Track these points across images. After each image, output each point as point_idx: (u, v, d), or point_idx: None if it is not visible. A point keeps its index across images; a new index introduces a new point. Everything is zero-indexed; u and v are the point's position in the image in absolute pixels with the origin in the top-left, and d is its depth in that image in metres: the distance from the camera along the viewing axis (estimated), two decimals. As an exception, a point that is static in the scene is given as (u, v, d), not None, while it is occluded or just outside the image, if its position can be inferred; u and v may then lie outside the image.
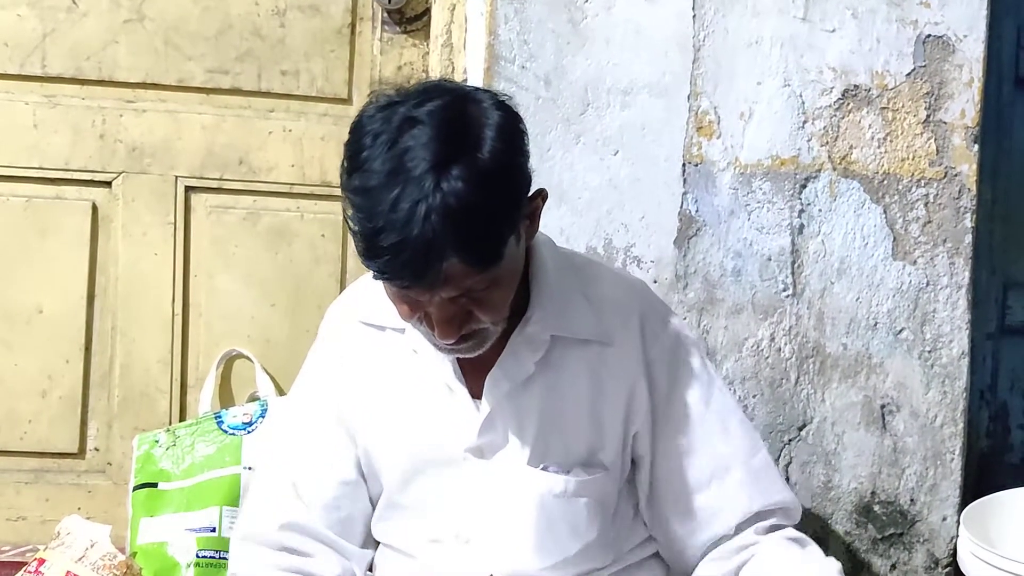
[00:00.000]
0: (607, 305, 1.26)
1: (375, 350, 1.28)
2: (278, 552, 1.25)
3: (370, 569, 1.35)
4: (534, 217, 1.17)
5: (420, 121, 1.05)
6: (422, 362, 1.25)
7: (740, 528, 1.26)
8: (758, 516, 1.26)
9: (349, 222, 1.09)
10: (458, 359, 1.24)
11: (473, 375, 1.24)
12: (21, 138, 1.91)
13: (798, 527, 1.32)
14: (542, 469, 1.23)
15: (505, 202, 1.08)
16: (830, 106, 1.76)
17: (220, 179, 1.96)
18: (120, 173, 1.94)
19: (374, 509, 1.31)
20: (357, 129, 1.10)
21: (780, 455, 1.78)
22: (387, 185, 1.04)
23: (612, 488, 1.26)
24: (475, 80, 1.71)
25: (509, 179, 1.08)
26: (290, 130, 1.96)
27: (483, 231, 1.05)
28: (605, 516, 1.26)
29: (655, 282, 1.73)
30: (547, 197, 1.18)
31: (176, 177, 1.95)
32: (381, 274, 1.07)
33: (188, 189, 1.95)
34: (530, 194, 1.15)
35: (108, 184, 1.94)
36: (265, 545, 1.26)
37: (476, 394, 1.24)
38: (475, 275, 1.06)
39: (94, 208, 1.94)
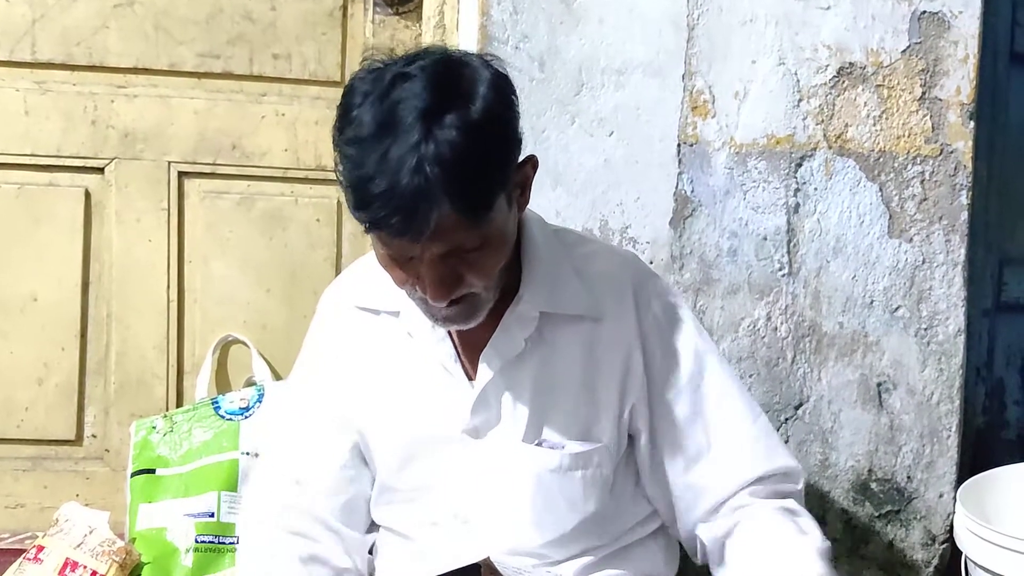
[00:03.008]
0: (599, 280, 1.25)
1: (370, 334, 1.28)
2: (290, 536, 1.25)
3: (370, 552, 1.35)
4: (525, 186, 1.16)
5: (412, 76, 1.06)
6: (417, 345, 1.25)
7: (736, 492, 1.25)
8: (759, 481, 1.26)
9: (339, 177, 1.08)
10: (453, 341, 1.24)
11: (469, 356, 1.24)
12: (12, 125, 1.90)
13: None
14: (536, 445, 1.23)
15: (497, 154, 1.07)
16: (825, 84, 1.76)
17: (213, 164, 1.95)
18: (112, 159, 1.93)
19: None
20: (348, 92, 1.10)
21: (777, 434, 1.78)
22: (378, 135, 1.03)
23: (609, 462, 1.26)
24: (468, 61, 1.71)
25: (501, 132, 1.09)
26: (283, 114, 1.95)
27: (474, 180, 1.04)
28: (603, 490, 1.26)
29: (651, 263, 1.73)
30: (537, 165, 1.17)
31: (169, 162, 1.94)
32: (372, 225, 1.06)
33: (181, 174, 1.95)
34: (521, 160, 1.14)
35: (101, 170, 1.93)
36: (276, 529, 1.26)
37: (472, 376, 1.24)
38: (465, 227, 1.05)
39: (87, 194, 1.93)
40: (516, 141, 1.12)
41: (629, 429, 1.27)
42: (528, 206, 1.28)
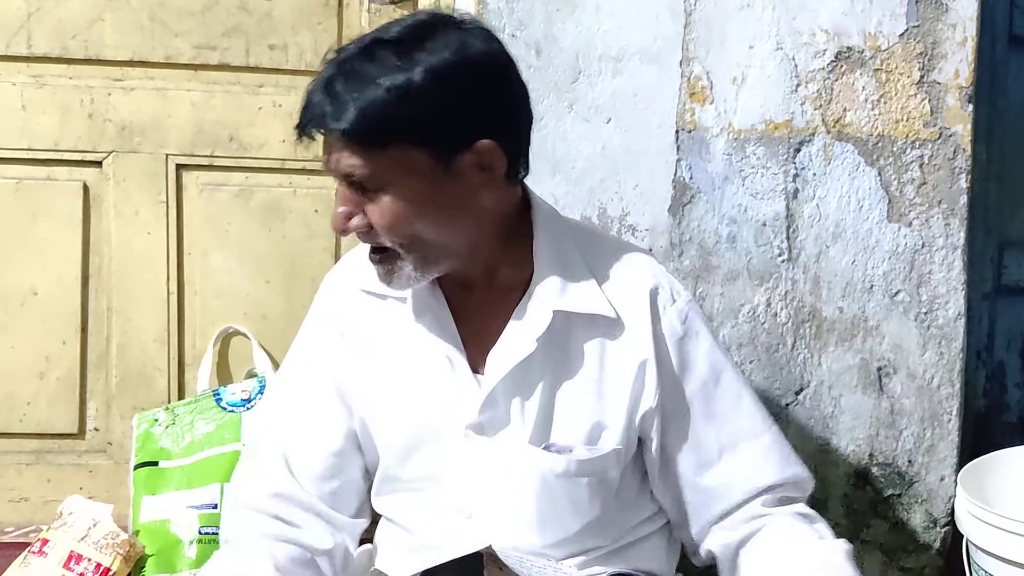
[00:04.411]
0: (614, 280, 1.23)
1: (376, 319, 1.27)
2: (269, 519, 1.24)
3: (370, 541, 1.35)
4: (485, 168, 1.14)
5: (396, 24, 1.13)
6: (424, 334, 1.23)
7: (748, 500, 1.25)
8: (768, 490, 1.25)
9: None
10: (460, 333, 1.23)
11: (476, 348, 1.23)
12: (9, 119, 1.89)
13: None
14: (544, 448, 1.21)
15: (412, 106, 1.08)
16: (823, 69, 1.75)
17: (211, 156, 1.95)
18: (110, 152, 1.93)
19: (371, 479, 1.31)
20: None
21: (777, 420, 1.78)
22: (334, 53, 1.14)
23: (615, 467, 1.24)
24: (465, 50, 1.70)
25: (435, 95, 1.09)
26: (280, 105, 1.94)
27: (368, 107, 1.07)
28: (608, 495, 1.24)
29: (650, 250, 1.72)
30: (493, 152, 1.13)
31: (167, 155, 1.94)
32: (296, 125, 1.13)
33: (179, 167, 1.94)
34: (480, 138, 1.12)
35: (99, 164, 1.93)
36: (257, 512, 1.25)
37: (478, 368, 1.23)
38: (351, 152, 1.09)
39: (85, 188, 1.93)
40: (456, 113, 1.11)
41: (639, 433, 1.25)
42: (541, 198, 1.27)
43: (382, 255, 1.17)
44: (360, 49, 1.11)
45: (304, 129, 1.12)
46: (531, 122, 1.23)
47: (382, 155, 1.10)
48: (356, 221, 1.14)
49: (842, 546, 1.21)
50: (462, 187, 1.14)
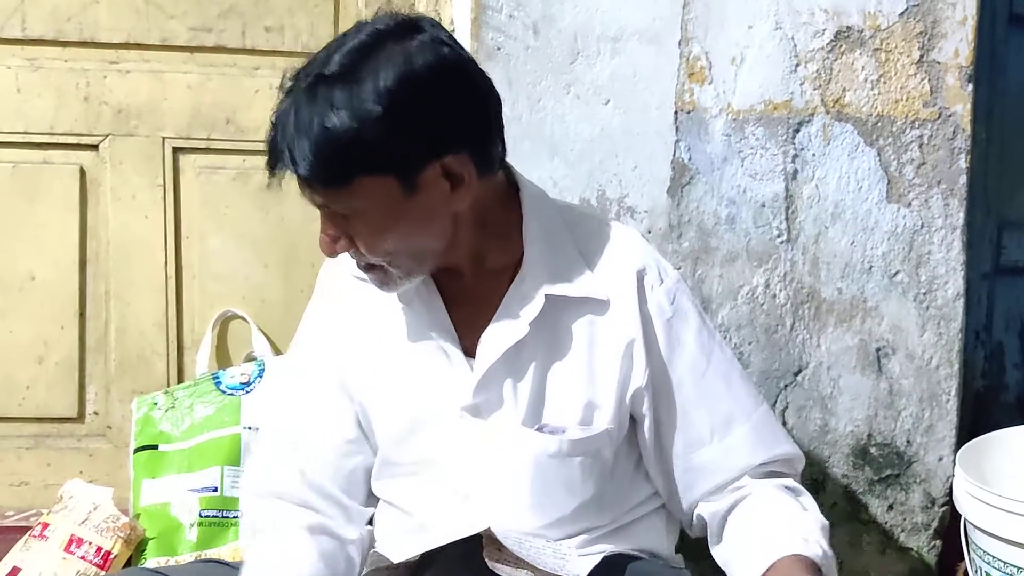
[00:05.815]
0: (603, 262, 1.24)
1: (370, 306, 1.27)
2: (303, 510, 1.25)
3: (370, 523, 1.36)
4: (452, 177, 1.14)
5: (338, 51, 1.12)
6: (416, 320, 1.24)
7: (737, 477, 1.26)
8: (761, 466, 1.26)
9: None
10: (451, 316, 1.24)
11: (469, 332, 1.24)
12: (5, 103, 1.89)
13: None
14: (537, 429, 1.22)
15: (363, 143, 1.08)
16: (822, 48, 1.74)
17: (208, 139, 1.94)
18: (107, 136, 1.92)
19: None
20: None
21: (776, 400, 1.79)
22: (292, 80, 1.15)
23: (608, 447, 1.25)
24: (462, 31, 1.69)
25: (386, 122, 1.09)
26: (277, 87, 1.90)
27: (322, 151, 1.08)
28: (602, 475, 1.25)
29: (649, 232, 1.72)
30: (455, 164, 1.13)
31: (163, 138, 1.93)
32: (266, 164, 1.15)
33: (176, 150, 1.94)
34: (441, 151, 1.12)
35: (95, 147, 1.92)
36: (288, 501, 1.26)
37: (471, 351, 1.23)
38: (319, 191, 1.12)
39: (82, 172, 1.92)
40: (411, 136, 1.10)
41: (631, 412, 1.26)
42: (529, 180, 1.27)
43: (370, 270, 1.20)
44: (306, 88, 1.11)
45: (273, 171, 1.14)
46: (499, 111, 1.19)
47: (347, 189, 1.11)
48: (341, 244, 1.17)
49: (818, 519, 1.22)
50: (432, 199, 1.14)
